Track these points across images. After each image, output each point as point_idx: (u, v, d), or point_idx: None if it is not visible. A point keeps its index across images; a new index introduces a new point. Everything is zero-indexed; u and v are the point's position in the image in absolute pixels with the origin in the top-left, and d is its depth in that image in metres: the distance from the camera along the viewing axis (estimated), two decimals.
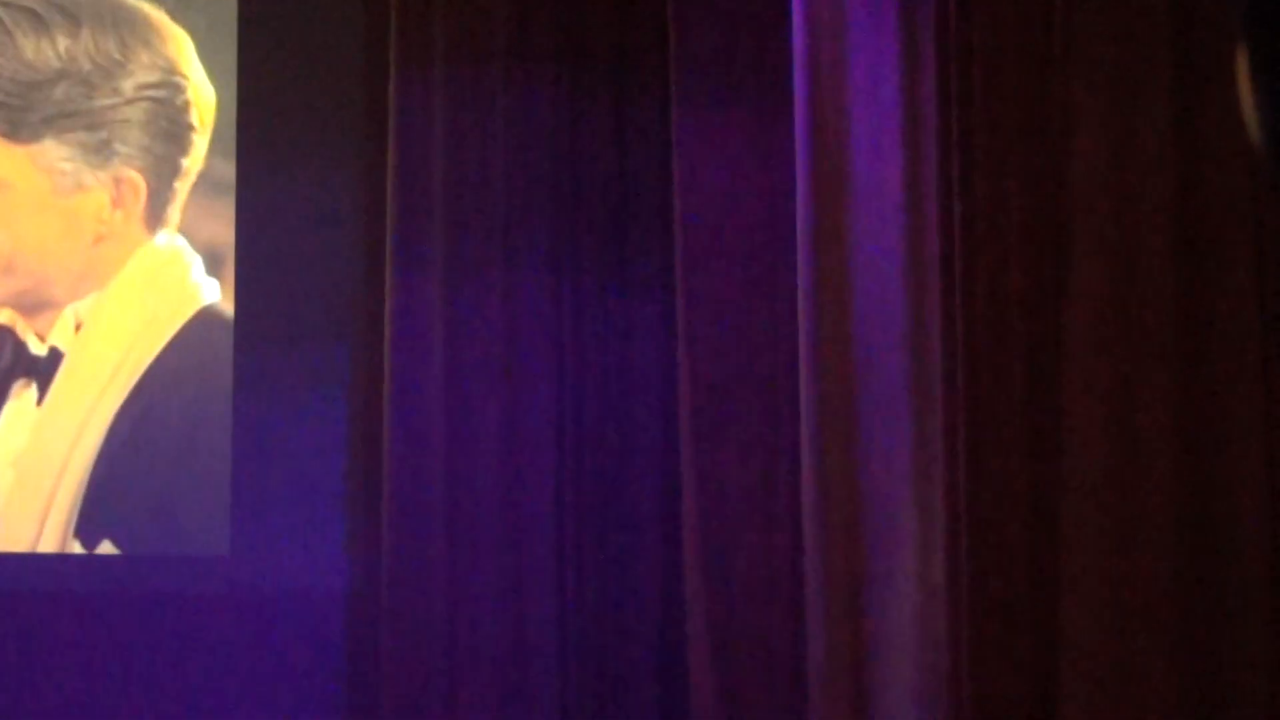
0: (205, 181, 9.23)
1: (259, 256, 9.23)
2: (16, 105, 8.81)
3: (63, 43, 8.83)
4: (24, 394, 8.89)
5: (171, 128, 9.08)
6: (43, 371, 9.00)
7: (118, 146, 9.00)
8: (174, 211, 9.15)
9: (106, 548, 9.00)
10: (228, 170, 9.24)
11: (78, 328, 9.00)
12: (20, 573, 8.89)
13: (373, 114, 9.26)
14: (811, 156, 8.20)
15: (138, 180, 9.04)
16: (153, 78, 9.07)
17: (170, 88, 9.06)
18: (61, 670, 8.93)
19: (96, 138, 8.93)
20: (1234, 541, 6.76)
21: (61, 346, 9.00)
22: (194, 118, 9.14)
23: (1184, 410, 6.89)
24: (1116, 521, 6.95)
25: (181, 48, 9.13)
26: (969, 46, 7.49)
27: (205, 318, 9.22)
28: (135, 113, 8.95)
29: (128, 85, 9.00)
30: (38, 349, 8.96)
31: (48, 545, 8.95)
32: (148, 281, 9.11)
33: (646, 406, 9.38)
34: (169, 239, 9.16)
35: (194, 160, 9.14)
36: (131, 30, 9.01)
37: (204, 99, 9.16)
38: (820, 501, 8.08)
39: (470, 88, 9.24)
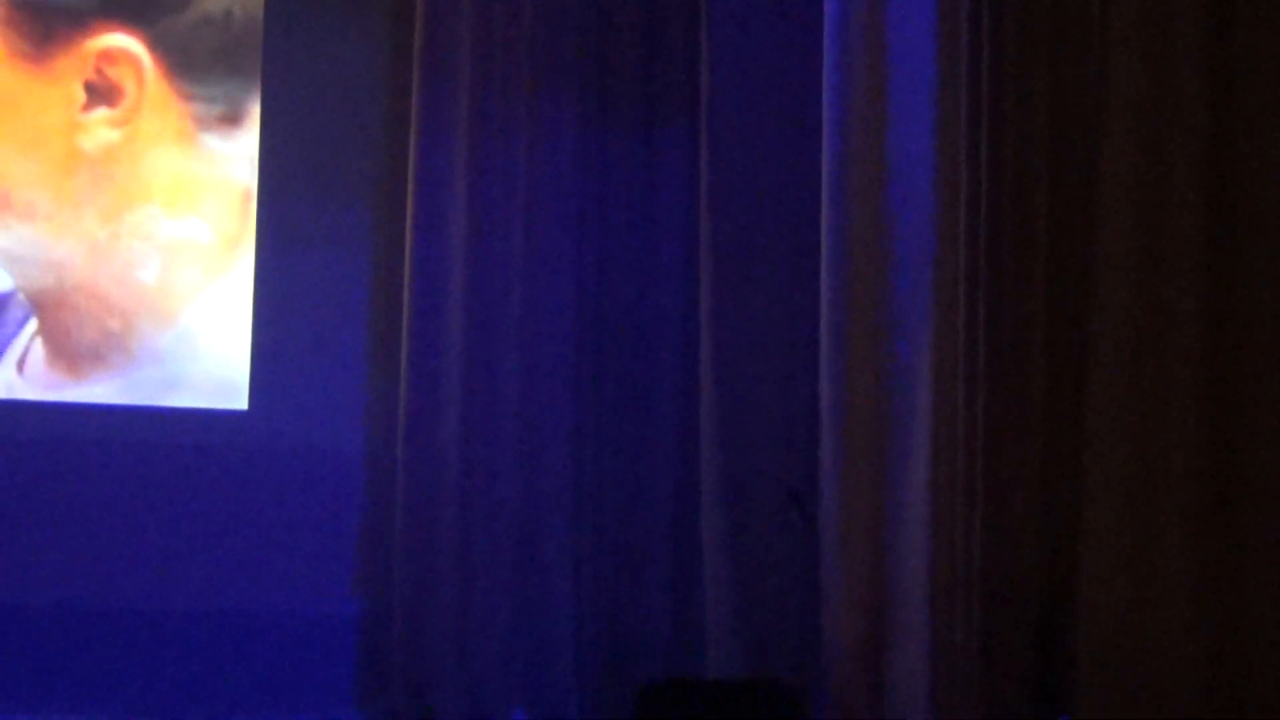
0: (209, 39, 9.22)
1: (283, 116, 9.33)
2: None
3: None
4: None
5: None
6: None
7: None
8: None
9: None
10: (255, 25, 9.26)
11: None
12: (45, 421, 9.15)
13: None
14: (842, 42, 8.33)
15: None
16: None
17: None
18: (82, 519, 9.25)
19: None
20: (1257, 427, 6.75)
21: None
22: None
23: (1211, 292, 6.87)
24: (1139, 400, 7.02)
25: None
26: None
27: None
28: None
29: None
30: None
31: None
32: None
33: (668, 269, 9.61)
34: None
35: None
36: None
37: None
38: (840, 372, 8.35)
39: None
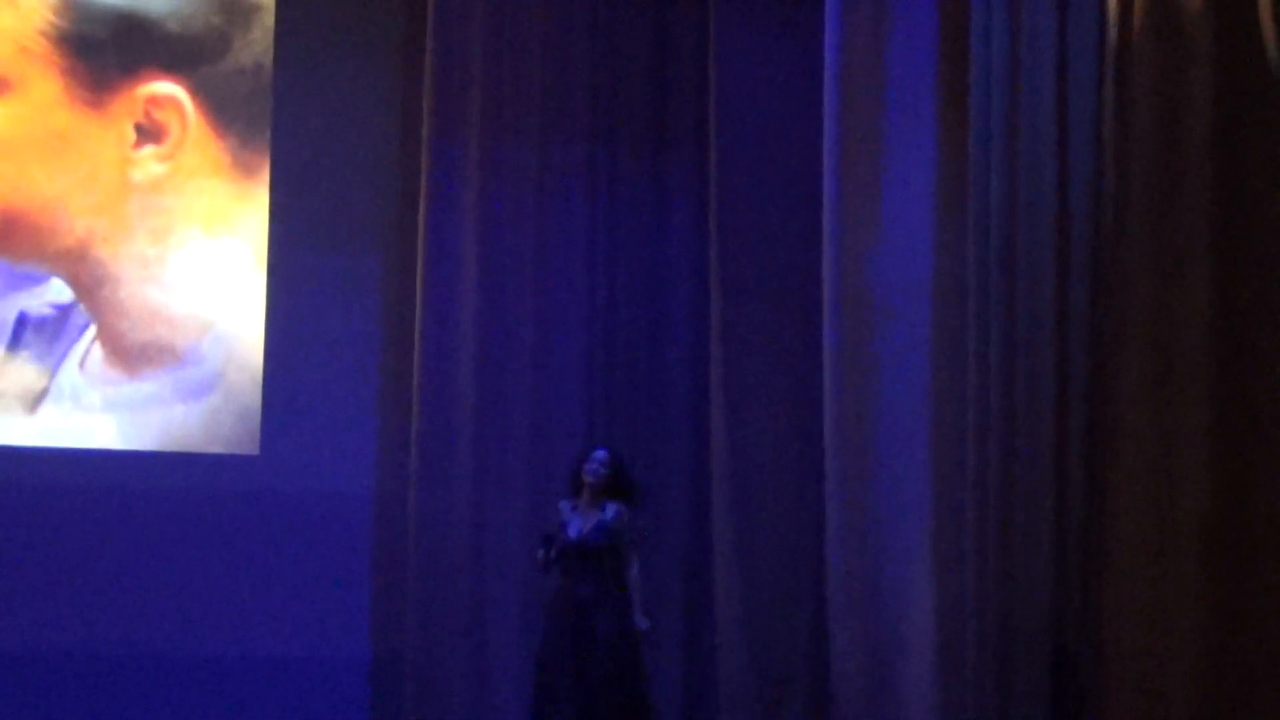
0: (242, 86, 9.75)
1: (294, 165, 9.66)
2: None
3: None
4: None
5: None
6: None
7: None
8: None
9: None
10: (265, 73, 9.74)
11: None
12: (55, 467, 9.39)
13: (412, 16, 9.70)
14: (841, 65, 8.67)
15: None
16: None
17: None
18: (93, 563, 9.41)
19: None
20: (1274, 471, 6.77)
21: None
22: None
23: (1224, 337, 6.96)
24: (1157, 445, 7.07)
25: None
26: None
27: None
28: None
29: None
30: None
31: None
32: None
33: (677, 309, 9.82)
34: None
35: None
36: None
37: None
38: (843, 402, 8.60)
39: None
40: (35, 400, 9.42)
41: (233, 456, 9.60)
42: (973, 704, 7.75)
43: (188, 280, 9.70)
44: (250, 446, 9.67)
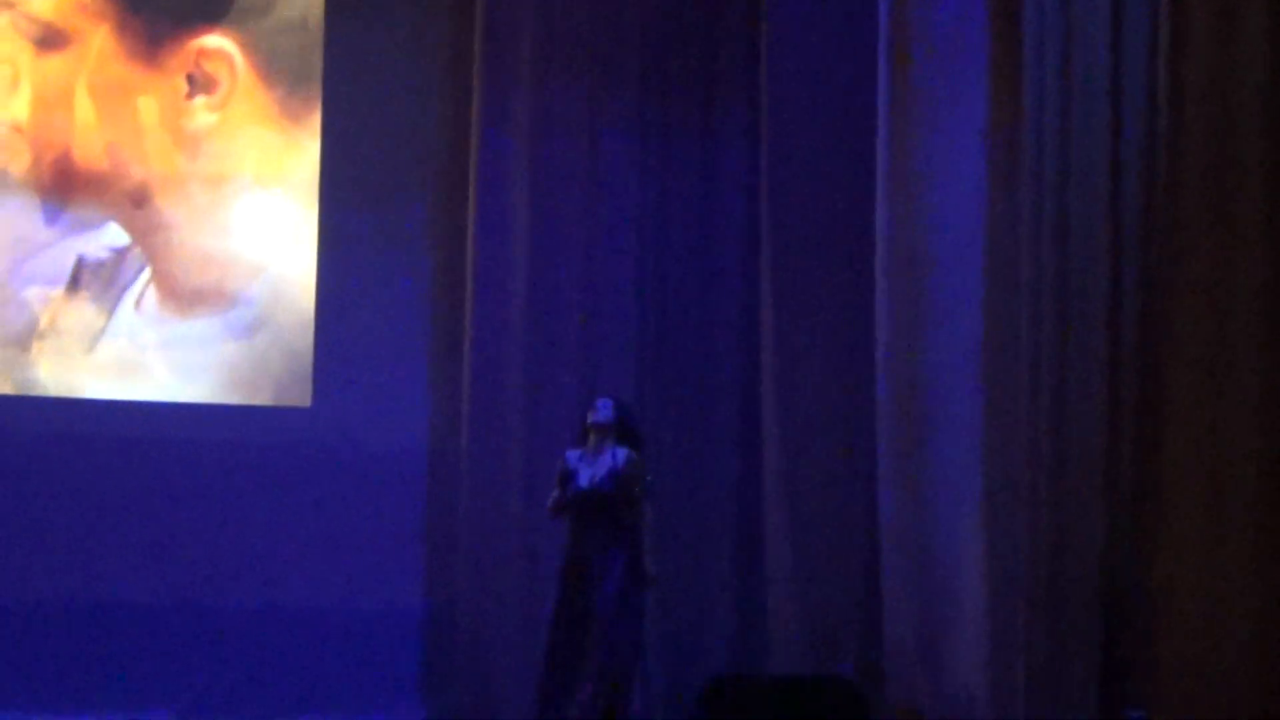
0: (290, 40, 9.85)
1: (344, 118, 9.73)
2: None
3: None
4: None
5: None
6: None
7: None
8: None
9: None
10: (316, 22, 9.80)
11: None
12: (112, 418, 9.52)
13: None
14: (895, 19, 8.68)
15: None
16: None
17: None
18: (147, 515, 9.52)
19: None
20: None
21: None
22: None
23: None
24: (1212, 408, 7.15)
25: None
26: None
27: None
28: None
29: None
30: None
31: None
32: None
33: (727, 265, 9.82)
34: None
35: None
36: None
37: None
38: (895, 367, 8.64)
39: None
40: (94, 339, 9.67)
41: (285, 409, 9.67)
42: (1024, 657, 7.77)
43: (240, 227, 9.88)
44: (302, 398, 9.72)
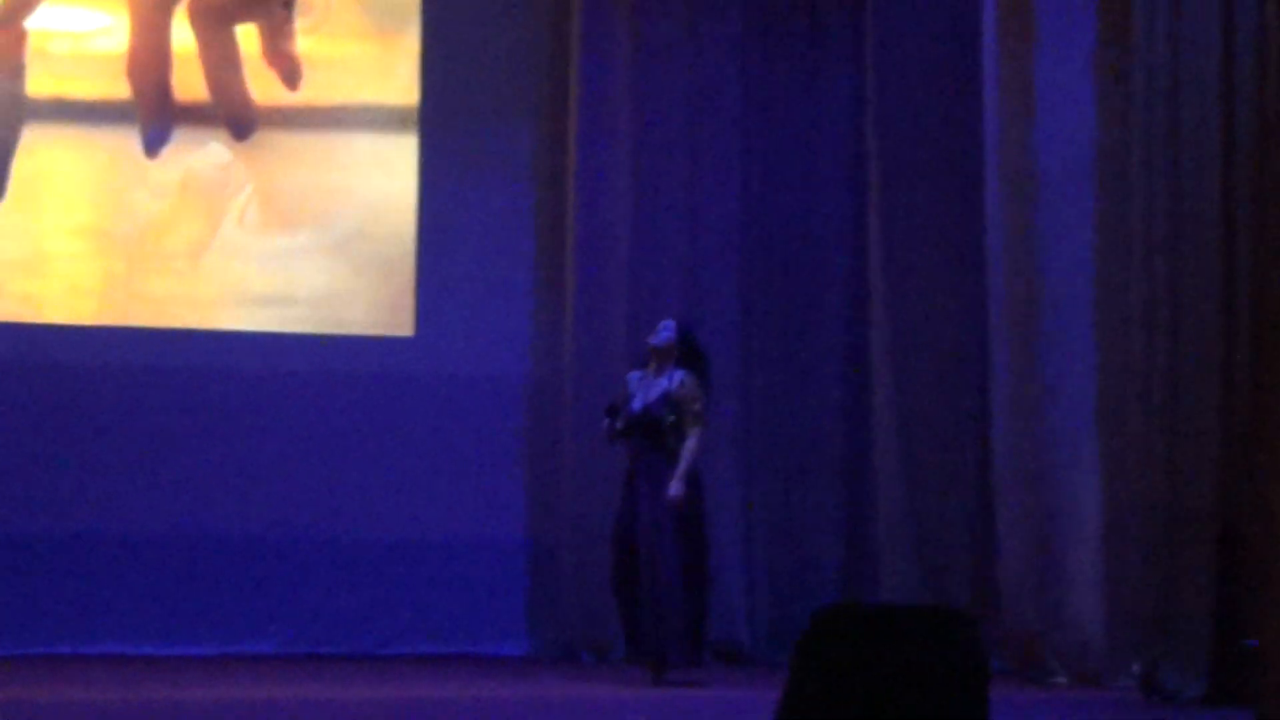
0: None
1: (444, 39, 9.72)
2: None
3: None
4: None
5: None
6: None
7: None
8: None
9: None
10: None
11: None
12: (210, 350, 9.56)
13: None
14: None
15: None
16: None
17: None
18: (248, 448, 9.57)
19: None
20: None
21: None
22: None
23: None
24: None
25: None
26: None
27: None
28: None
29: None
30: None
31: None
32: None
33: (833, 191, 9.74)
34: None
35: None
36: None
37: None
38: (1006, 290, 8.56)
39: None
40: (199, 253, 9.78)
41: (388, 339, 9.68)
42: (1140, 584, 7.73)
43: (339, 153, 9.95)
44: (405, 327, 9.75)
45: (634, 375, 8.34)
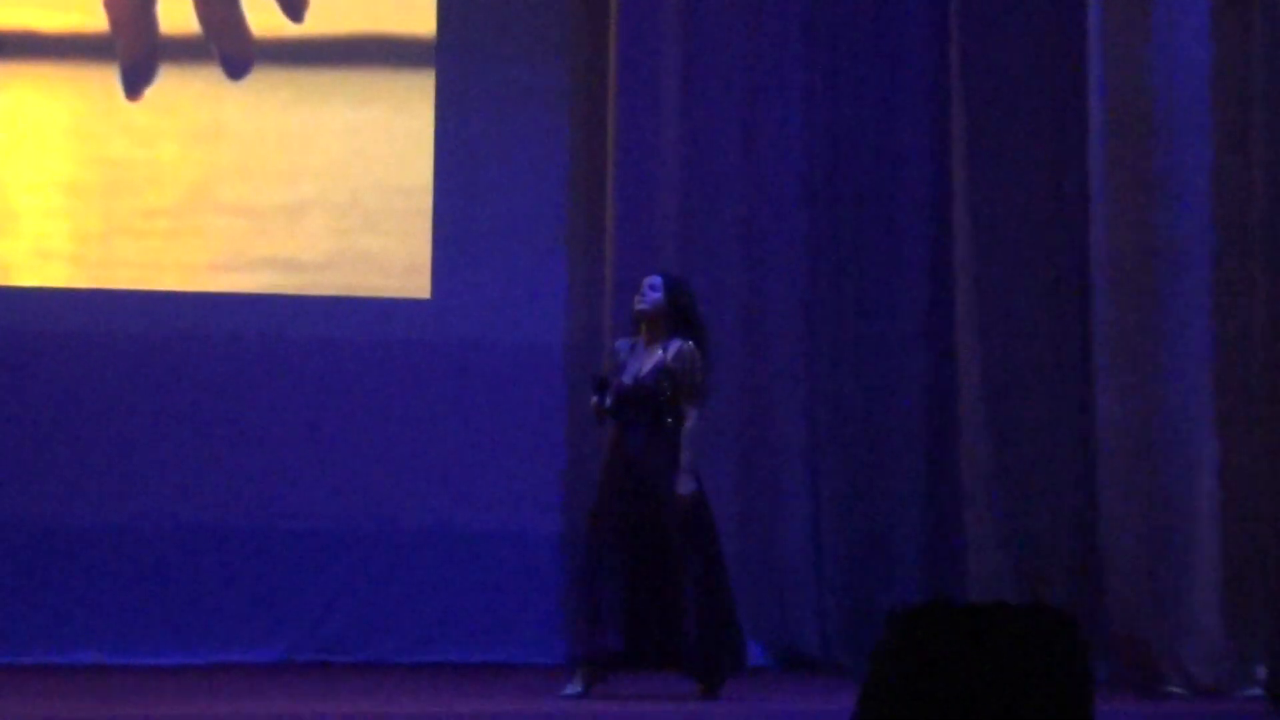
0: None
1: None
2: None
3: None
4: None
5: None
6: None
7: None
8: None
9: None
10: None
11: None
12: (224, 313, 9.22)
13: None
14: None
15: None
16: None
17: None
18: (241, 421, 9.17)
19: None
20: None
21: None
22: None
23: None
24: None
25: None
26: None
27: None
28: None
29: None
30: None
31: None
32: None
33: (911, 128, 9.32)
34: None
35: None
36: None
37: None
38: (1109, 228, 8.29)
39: None
40: (187, 209, 9.46)
41: (401, 301, 9.32)
42: (1263, 579, 7.73)
43: (347, 88, 9.55)
44: (420, 289, 9.33)
45: (622, 344, 8.00)
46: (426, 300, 9.36)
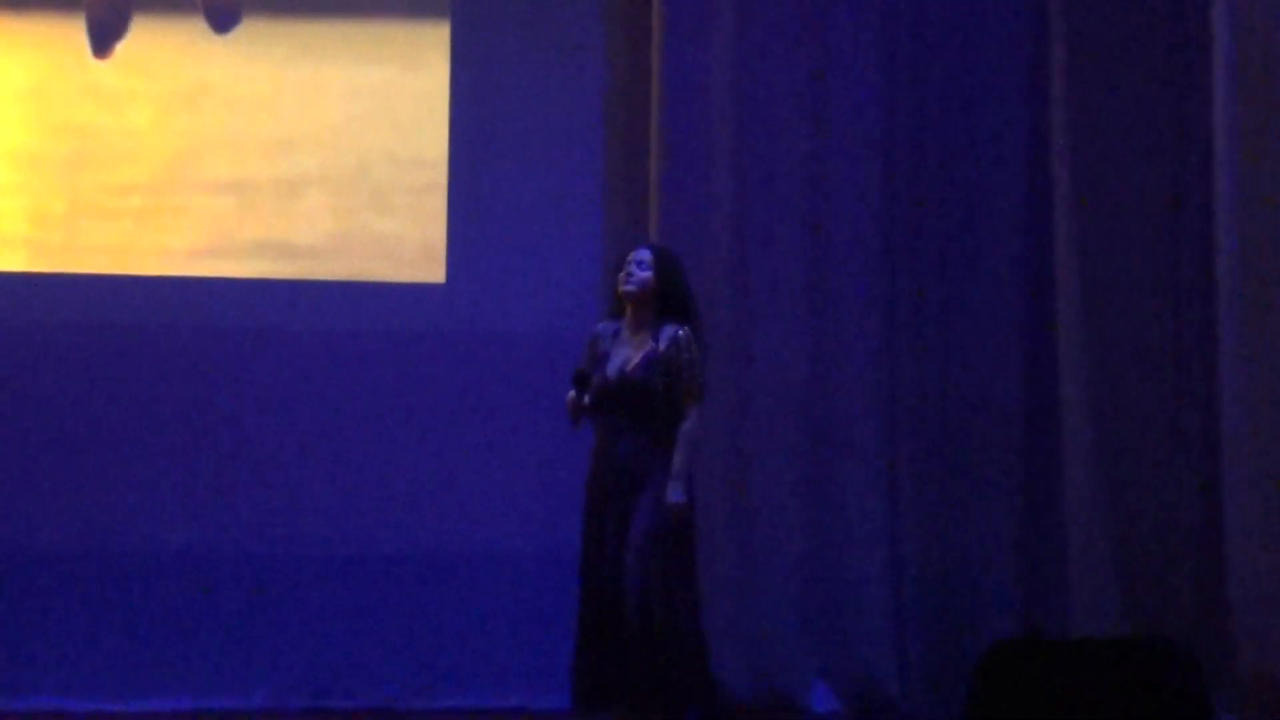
0: None
1: None
2: None
3: None
4: None
5: None
6: None
7: None
8: None
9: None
10: None
11: None
12: (236, 299, 8.81)
13: None
14: None
15: None
16: None
17: None
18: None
19: None
20: None
21: None
22: None
23: None
24: None
25: None
26: None
27: None
28: None
29: None
30: None
31: None
32: None
33: (1006, 88, 8.76)
34: None
35: None
36: None
37: None
38: (1238, 186, 8.14)
39: None
40: (165, 185, 9.11)
41: (411, 287, 8.98)
42: None
43: (350, 43, 9.06)
44: (434, 272, 8.97)
45: (605, 328, 7.45)
46: (440, 285, 9.05)
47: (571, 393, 7.26)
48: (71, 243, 9.03)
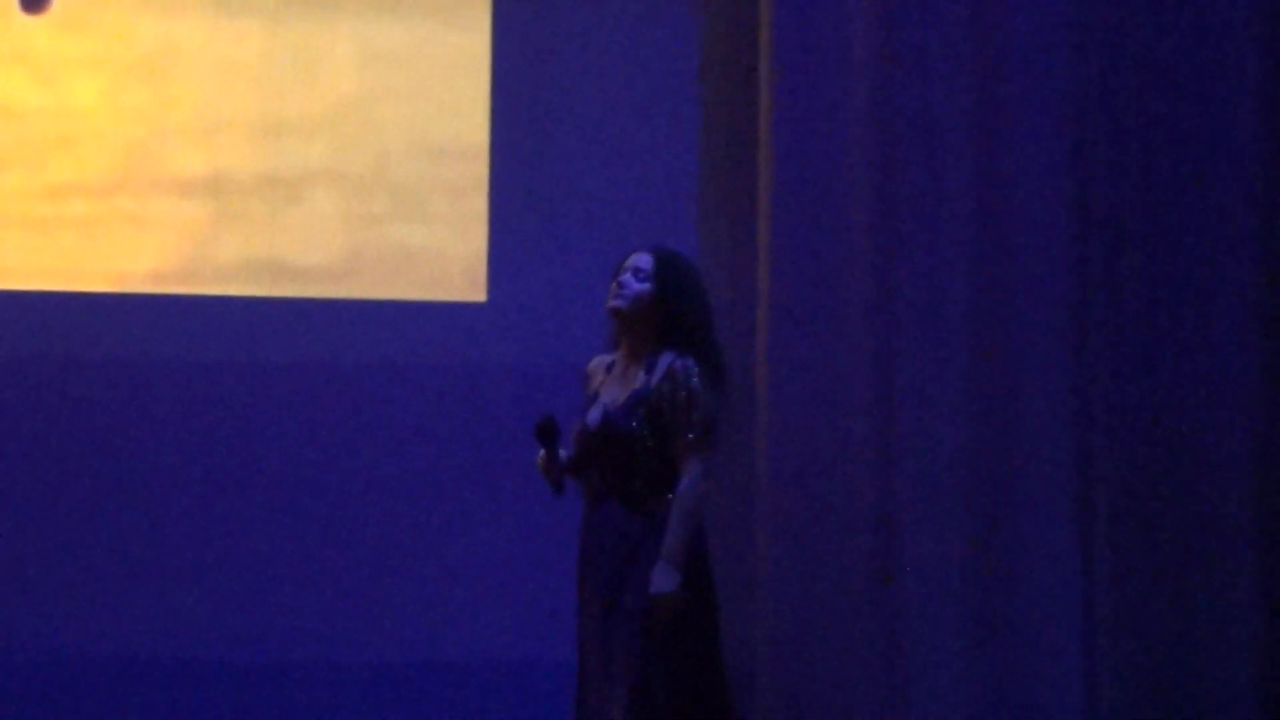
0: None
1: None
2: None
3: None
4: None
5: None
6: None
7: None
8: None
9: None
10: None
11: None
12: (269, 317, 8.29)
13: None
14: None
15: None
16: None
17: None
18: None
19: None
20: None
21: None
22: None
23: None
24: None
25: None
26: None
27: None
28: None
29: None
30: None
31: None
32: None
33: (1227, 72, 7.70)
34: None
35: None
36: None
37: None
38: None
39: None
40: (131, 185, 8.49)
41: (446, 306, 8.45)
42: None
43: (385, 43, 8.37)
44: (474, 289, 8.48)
45: (600, 362, 6.42)
46: (480, 305, 8.60)
47: (542, 451, 6.05)
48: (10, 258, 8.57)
